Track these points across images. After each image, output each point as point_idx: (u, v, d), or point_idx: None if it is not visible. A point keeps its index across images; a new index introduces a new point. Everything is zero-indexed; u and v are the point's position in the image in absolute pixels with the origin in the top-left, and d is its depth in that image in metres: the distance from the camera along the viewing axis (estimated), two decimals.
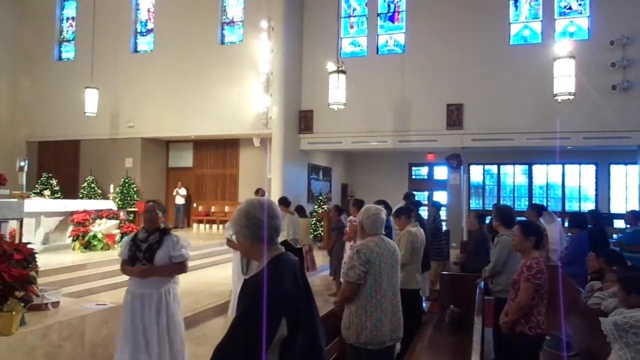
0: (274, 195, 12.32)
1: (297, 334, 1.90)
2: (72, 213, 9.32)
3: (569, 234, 6.60)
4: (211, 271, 9.52)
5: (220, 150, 15.79)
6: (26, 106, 16.16)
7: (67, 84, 15.33)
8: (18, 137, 16.13)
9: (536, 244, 3.76)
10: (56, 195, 14.19)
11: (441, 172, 15.61)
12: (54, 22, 16.50)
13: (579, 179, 15.03)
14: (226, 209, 15.09)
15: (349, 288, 3.29)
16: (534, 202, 15.13)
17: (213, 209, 15.52)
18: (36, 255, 4.64)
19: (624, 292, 3.26)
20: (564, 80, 9.03)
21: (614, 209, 14.42)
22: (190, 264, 11.05)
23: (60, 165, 15.74)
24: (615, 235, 11.48)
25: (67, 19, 16.61)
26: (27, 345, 4.06)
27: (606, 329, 1.68)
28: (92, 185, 15.00)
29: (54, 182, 15.02)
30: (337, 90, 10.48)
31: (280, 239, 7.92)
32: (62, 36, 16.62)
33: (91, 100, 13.40)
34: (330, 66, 10.61)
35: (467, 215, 12.39)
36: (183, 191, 15.36)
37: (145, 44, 15.60)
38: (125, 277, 7.77)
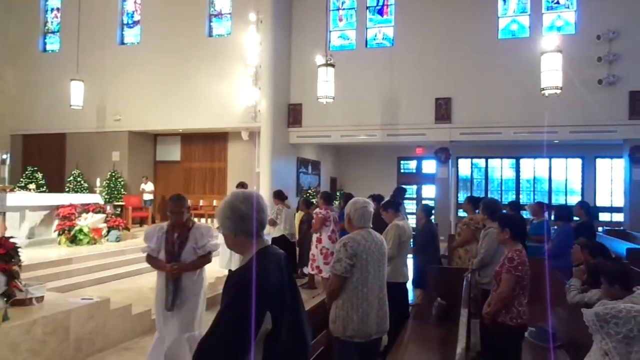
0: (263, 189, 12.29)
1: (282, 328, 1.90)
2: (57, 207, 9.21)
3: (554, 227, 6.65)
4: None
5: (209, 144, 15.69)
6: (10, 99, 15.88)
7: (52, 76, 15.11)
8: (2, 130, 15.86)
9: (513, 235, 3.78)
10: (42, 189, 13.99)
11: (430, 166, 15.67)
12: (39, 13, 16.21)
13: (566, 173, 15.18)
14: (214, 202, 15.01)
15: (335, 281, 3.29)
16: (521, 195, 15.32)
17: (201, 202, 15.43)
18: (20, 250, 4.58)
19: (607, 284, 3.30)
20: (551, 74, 9.08)
21: (599, 203, 14.60)
22: None
23: (46, 158, 15.54)
24: (600, 229, 11.66)
25: (52, 9, 16.34)
26: (10, 341, 4.02)
27: (588, 320, 1.70)
28: (78, 179, 14.84)
29: (40, 175, 14.83)
30: (325, 84, 10.46)
31: (277, 233, 7.97)
32: (46, 27, 16.35)
33: (77, 92, 13.20)
34: (319, 59, 10.58)
35: (454, 210, 12.51)
36: (149, 186, 14.68)
37: (132, 35, 15.40)
38: (111, 272, 7.71)
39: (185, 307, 3.94)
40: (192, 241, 3.95)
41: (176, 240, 3.95)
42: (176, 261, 3.89)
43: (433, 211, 8.41)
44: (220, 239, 3.61)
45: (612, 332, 1.63)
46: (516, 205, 8.02)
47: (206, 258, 4.05)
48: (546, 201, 14.72)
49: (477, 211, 6.70)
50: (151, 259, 4.07)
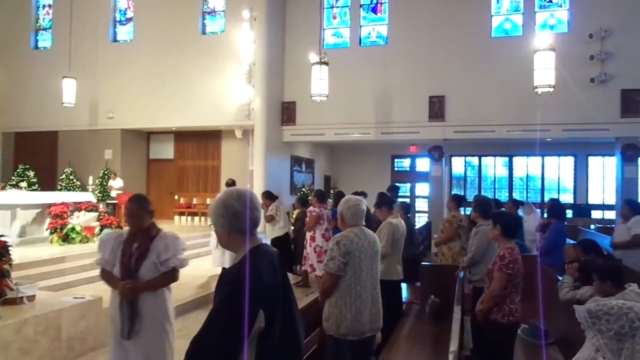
0: (257, 187, 12.26)
1: (275, 326, 1.89)
2: (49, 205, 9.15)
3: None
4: (193, 263, 9.35)
5: (202, 142, 15.63)
6: (1, 96, 15.74)
7: (44, 73, 14.98)
8: None
9: (504, 232, 3.80)
10: (33, 187, 13.89)
11: (423, 164, 15.71)
12: (30, 10, 16.08)
13: (558, 171, 15.26)
14: (208, 201, 14.96)
15: (329, 279, 3.28)
16: (514, 193, 15.40)
17: (195, 201, 15.39)
18: (11, 249, 4.55)
19: (599, 281, 3.33)
20: (544, 72, 9.12)
21: (591, 200, 14.70)
22: None
23: (38, 156, 15.42)
24: (592, 226, 11.74)
25: (44, 6, 16.20)
26: (1, 340, 3.99)
27: (580, 316, 1.70)
28: (71, 177, 14.73)
29: (31, 173, 14.71)
30: (319, 82, 10.44)
31: (279, 232, 7.88)
32: (38, 24, 16.21)
33: (69, 90, 13.10)
34: (313, 57, 10.55)
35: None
36: (119, 183, 13.66)
37: (124, 33, 15.31)
38: None
39: (147, 336, 3.15)
40: (153, 254, 3.18)
41: (134, 251, 3.18)
42: (132, 278, 3.12)
43: (410, 209, 8.54)
44: (218, 244, 3.43)
45: (603, 328, 1.63)
46: (518, 203, 7.99)
47: (170, 276, 3.25)
48: (539, 199, 14.82)
49: (460, 209, 6.82)
50: (104, 274, 3.30)
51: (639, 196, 11.42)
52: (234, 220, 1.97)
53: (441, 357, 3.81)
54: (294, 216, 9.04)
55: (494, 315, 3.67)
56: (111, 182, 13.86)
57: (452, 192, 13.55)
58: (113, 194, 13.49)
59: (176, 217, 15.20)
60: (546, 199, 14.89)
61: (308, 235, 7.49)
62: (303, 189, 14.46)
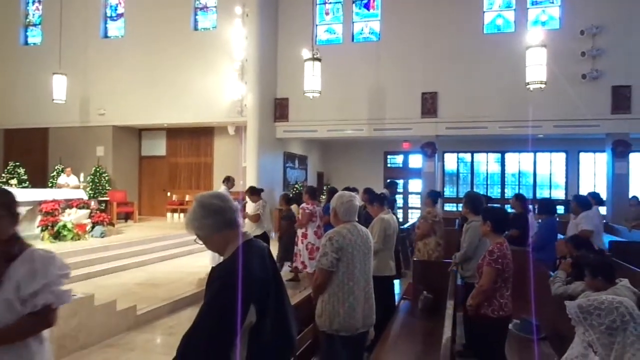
0: (250, 184, 12.19)
1: (267, 321, 1.88)
2: (40, 203, 9.08)
3: (539, 220, 6.73)
4: (186, 260, 9.42)
5: (195, 139, 15.56)
6: None
7: (34, 69, 14.85)
8: None
9: (494, 228, 3.81)
10: (24, 185, 13.78)
11: (416, 160, 15.74)
12: (19, 5, 15.90)
13: (550, 167, 15.35)
14: None
15: (321, 275, 3.28)
16: (506, 189, 15.48)
17: (187, 197, 15.31)
18: None
19: (590, 276, 3.35)
20: (536, 69, 9.14)
21: None
22: (165, 253, 10.79)
23: (28, 153, 15.28)
24: None
25: (33, 2, 16.02)
26: None
27: (571, 312, 1.71)
28: (62, 174, 14.62)
29: (22, 171, 14.58)
30: (312, 78, 10.40)
31: (259, 230, 7.68)
32: (27, 20, 16.04)
33: (59, 86, 12.97)
34: (306, 53, 10.52)
35: (441, 204, 12.57)
36: (73, 180, 12.39)
37: (115, 29, 15.18)
38: (96, 268, 7.60)
39: None
40: (10, 285, 1.98)
41: None
42: None
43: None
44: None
45: (595, 323, 1.64)
46: (523, 198, 7.94)
47: (40, 320, 2.02)
48: (531, 195, 14.90)
49: (436, 205, 6.96)
50: None
51: (630, 192, 11.53)
52: (218, 217, 1.96)
53: (434, 352, 3.82)
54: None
55: (484, 310, 3.69)
56: (62, 179, 12.34)
57: (438, 189, 13.57)
58: None
59: (168, 214, 15.13)
60: (538, 195, 15.00)
61: (300, 232, 7.45)
62: (296, 186, 14.45)
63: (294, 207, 8.47)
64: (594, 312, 1.66)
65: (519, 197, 7.03)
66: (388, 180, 9.65)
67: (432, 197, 7.08)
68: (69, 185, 11.99)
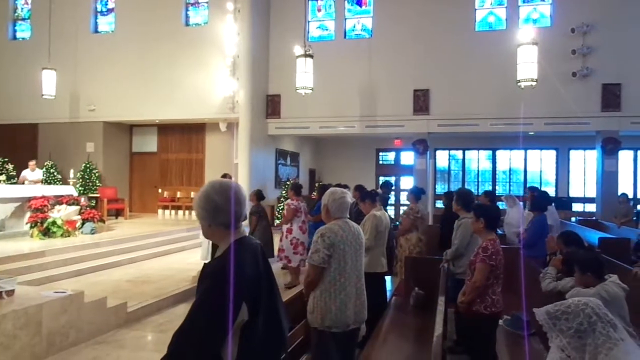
0: (242, 181, 12.20)
1: (258, 319, 1.88)
2: (29, 199, 8.99)
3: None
4: (177, 257, 9.38)
5: (186, 135, 15.47)
6: None
7: (23, 64, 14.68)
8: None
9: (487, 225, 3.83)
10: (13, 181, 13.62)
11: (408, 158, 15.78)
12: None
13: (540, 164, 15.46)
14: (192, 194, 14.83)
15: (313, 272, 3.27)
16: (497, 186, 15.56)
17: (178, 194, 15.25)
18: None
19: (580, 272, 3.37)
20: (527, 66, 9.18)
21: (573, 193, 14.93)
22: (156, 250, 10.80)
23: (17, 149, 15.08)
24: (573, 219, 11.92)
25: None
26: None
27: (540, 319, 1.72)
28: (52, 170, 14.48)
29: (10, 167, 14.41)
30: (304, 75, 10.38)
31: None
32: (16, 14, 15.84)
33: (49, 82, 12.82)
34: (298, 50, 10.48)
35: (432, 201, 12.63)
36: (36, 174, 11.65)
37: (106, 24, 15.04)
38: (86, 265, 7.55)
39: None
40: None
41: None
42: None
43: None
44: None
45: (564, 328, 1.65)
46: (491, 194, 8.24)
47: None
48: (521, 193, 14.99)
49: (419, 201, 7.03)
50: None
51: (619, 189, 11.63)
52: (215, 214, 1.95)
53: (425, 348, 3.83)
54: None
55: (477, 306, 3.71)
56: (28, 173, 11.56)
57: (430, 186, 13.62)
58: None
59: (160, 211, 15.06)
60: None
61: (285, 227, 7.59)
62: (288, 183, 14.42)
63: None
64: (562, 317, 1.67)
65: (487, 194, 7.30)
66: (382, 181, 9.64)
67: (415, 193, 7.14)
68: (29, 180, 11.23)
